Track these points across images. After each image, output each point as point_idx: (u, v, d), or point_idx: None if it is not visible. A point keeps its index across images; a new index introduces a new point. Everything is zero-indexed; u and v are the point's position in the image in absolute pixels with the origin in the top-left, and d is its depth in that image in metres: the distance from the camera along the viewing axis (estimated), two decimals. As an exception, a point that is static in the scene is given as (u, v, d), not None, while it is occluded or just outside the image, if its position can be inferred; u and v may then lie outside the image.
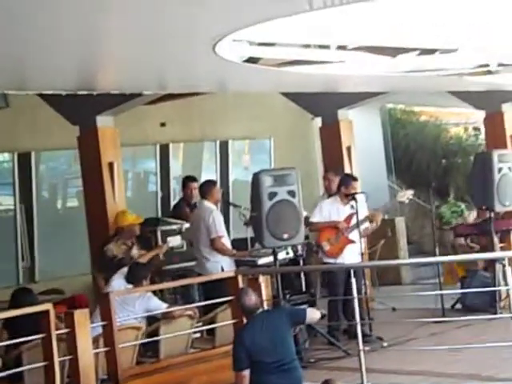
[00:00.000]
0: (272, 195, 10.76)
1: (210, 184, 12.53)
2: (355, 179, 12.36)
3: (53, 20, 6.22)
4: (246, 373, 7.69)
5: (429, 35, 10.50)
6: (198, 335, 10.36)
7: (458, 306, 11.59)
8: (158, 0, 6.34)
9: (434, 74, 12.03)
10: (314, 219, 11.39)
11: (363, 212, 11.66)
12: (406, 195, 13.80)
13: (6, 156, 13.80)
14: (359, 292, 9.97)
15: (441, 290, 11.63)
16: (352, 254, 11.29)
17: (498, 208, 12.13)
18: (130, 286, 10.10)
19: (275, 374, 7.79)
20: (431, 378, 8.78)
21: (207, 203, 11.67)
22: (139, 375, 9.27)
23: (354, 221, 11.35)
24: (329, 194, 12.17)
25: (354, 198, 11.59)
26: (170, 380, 9.35)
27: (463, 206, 15.98)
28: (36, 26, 6.47)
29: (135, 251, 11.25)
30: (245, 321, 9.09)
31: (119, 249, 11.16)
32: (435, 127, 19.20)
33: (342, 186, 11.85)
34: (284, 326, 8.11)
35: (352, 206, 11.55)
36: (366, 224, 11.69)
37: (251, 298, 8.05)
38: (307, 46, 9.77)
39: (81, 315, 8.90)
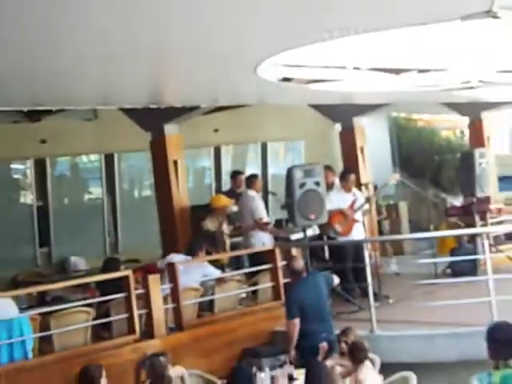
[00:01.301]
0: (302, 185, 10.88)
1: (253, 177, 12.69)
2: (350, 173, 12.37)
3: (132, 46, 6.40)
4: (297, 321, 8.19)
5: (424, 59, 10.65)
6: (244, 295, 10.52)
7: (448, 271, 11.69)
8: (213, 33, 6.56)
9: (429, 89, 12.14)
10: (329, 207, 11.32)
11: (361, 197, 11.84)
12: (394, 178, 13.92)
13: (96, 157, 14.10)
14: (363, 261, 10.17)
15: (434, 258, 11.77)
16: (358, 232, 11.44)
17: (479, 194, 12.29)
18: (189, 258, 10.36)
19: (317, 323, 8.32)
20: (427, 326, 8.97)
21: (251, 192, 11.86)
22: (199, 325, 9.52)
23: (356, 205, 11.54)
24: (327, 185, 11.79)
25: (361, 187, 11.79)
26: (222, 329, 9.54)
27: None
28: (119, 51, 6.62)
29: (225, 226, 11.57)
30: (281, 282, 9.41)
31: (212, 224, 11.47)
32: (430, 131, 19.26)
33: (342, 179, 12.01)
34: (323, 286, 8.65)
35: (354, 194, 11.72)
36: (366, 206, 11.81)
37: (299, 263, 8.66)
38: (329, 67, 9.92)
39: (153, 279, 9.20)
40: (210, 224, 11.67)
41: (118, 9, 5.19)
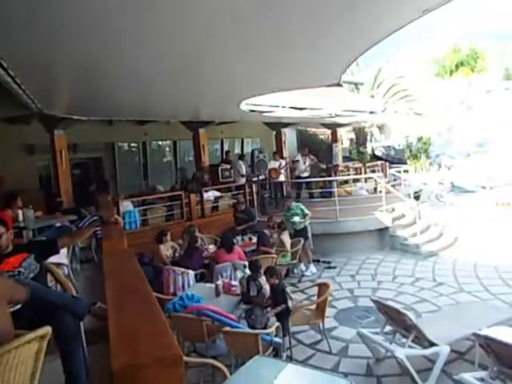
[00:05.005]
0: (257, 157, 10.84)
1: (240, 155, 12.34)
2: (278, 153, 12.24)
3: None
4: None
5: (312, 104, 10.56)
6: (230, 203, 10.40)
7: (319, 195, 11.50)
8: (226, 95, 6.50)
9: (314, 117, 12.11)
10: (269, 167, 11.13)
11: (284, 163, 11.59)
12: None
13: (169, 142, 13.78)
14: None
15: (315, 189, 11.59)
16: (281, 177, 11.25)
17: (334, 163, 12.33)
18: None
19: None
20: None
21: (239, 161, 11.43)
22: (211, 215, 9.47)
23: (281, 166, 11.37)
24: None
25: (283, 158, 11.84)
26: (220, 218, 9.41)
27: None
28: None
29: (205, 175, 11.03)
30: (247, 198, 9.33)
31: (200, 173, 10.78)
32: (314, 135, 18.98)
33: (274, 155, 11.76)
34: None
35: (280, 161, 11.47)
36: (283, 165, 11.57)
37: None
38: (273, 106, 9.82)
39: (192, 196, 9.15)
40: (198, 174, 11.07)
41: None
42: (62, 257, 3.68)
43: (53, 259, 2.79)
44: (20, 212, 4.81)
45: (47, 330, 1.65)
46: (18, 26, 2.90)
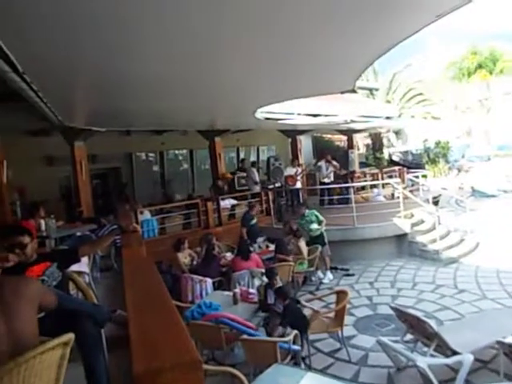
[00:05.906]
0: (273, 164, 10.92)
1: (252, 162, 12.43)
2: (295, 160, 12.15)
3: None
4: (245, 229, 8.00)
5: (327, 111, 10.54)
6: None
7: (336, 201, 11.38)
8: (239, 104, 6.57)
9: (329, 123, 12.06)
10: (285, 174, 11.12)
11: (300, 170, 11.41)
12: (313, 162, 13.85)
13: (185, 151, 13.94)
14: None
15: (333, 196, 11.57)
16: (298, 184, 11.06)
17: (350, 169, 12.23)
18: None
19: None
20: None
21: (252, 168, 11.50)
22: (228, 223, 9.49)
23: (297, 173, 11.14)
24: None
25: (299, 165, 11.79)
26: (237, 226, 8.88)
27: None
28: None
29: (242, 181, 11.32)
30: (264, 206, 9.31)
31: (222, 183, 11.13)
32: (330, 142, 18.77)
33: (291, 162, 11.72)
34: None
35: (297, 169, 11.23)
36: (299, 172, 11.31)
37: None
38: (288, 113, 9.85)
39: (209, 204, 9.19)
40: (221, 183, 11.10)
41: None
42: (83, 265, 3.76)
43: (74, 267, 2.85)
44: (42, 222, 4.95)
45: (70, 336, 1.70)
46: (40, 42, 2.99)
